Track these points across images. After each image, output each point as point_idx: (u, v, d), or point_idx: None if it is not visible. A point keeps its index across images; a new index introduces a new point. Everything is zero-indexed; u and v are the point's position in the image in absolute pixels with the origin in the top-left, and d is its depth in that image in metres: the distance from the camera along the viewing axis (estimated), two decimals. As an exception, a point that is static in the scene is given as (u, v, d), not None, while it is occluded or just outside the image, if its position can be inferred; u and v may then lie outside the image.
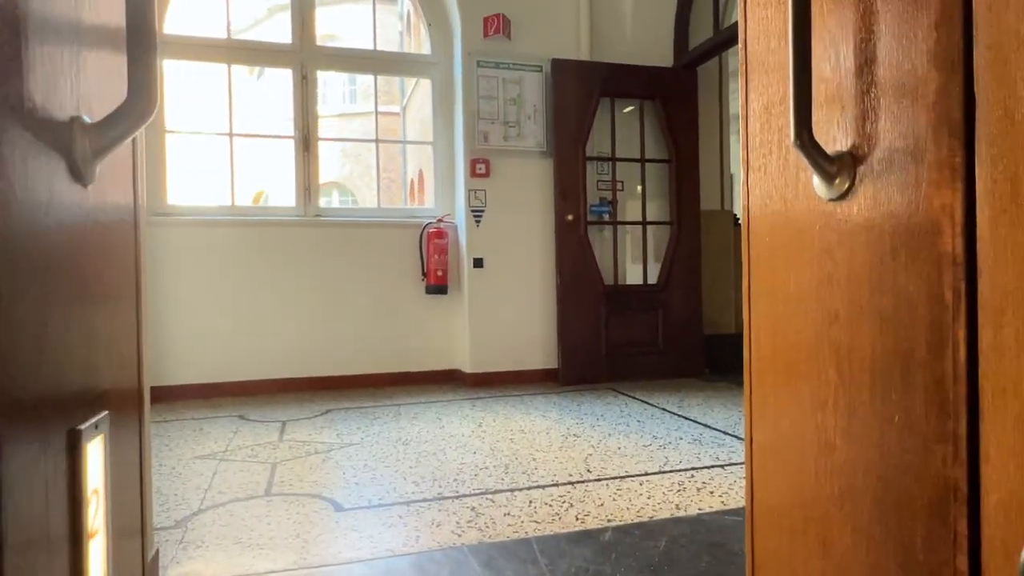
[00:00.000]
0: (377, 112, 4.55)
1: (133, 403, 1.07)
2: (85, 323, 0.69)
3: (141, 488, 1.08)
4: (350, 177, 16.31)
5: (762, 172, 1.00)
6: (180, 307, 3.85)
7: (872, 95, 0.79)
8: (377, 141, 4.58)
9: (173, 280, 3.83)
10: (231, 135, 4.09)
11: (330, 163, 15.59)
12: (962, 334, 0.68)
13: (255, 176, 15.79)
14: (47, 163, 0.60)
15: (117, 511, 0.83)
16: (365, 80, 16.50)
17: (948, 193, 0.68)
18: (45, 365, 0.60)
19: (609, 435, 2.88)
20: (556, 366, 4.25)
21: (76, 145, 0.64)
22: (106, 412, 0.76)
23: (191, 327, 3.87)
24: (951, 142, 0.67)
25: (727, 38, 4.08)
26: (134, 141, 1.13)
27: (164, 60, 3.90)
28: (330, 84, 16.68)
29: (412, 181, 14.48)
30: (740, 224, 4.40)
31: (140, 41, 0.68)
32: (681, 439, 2.81)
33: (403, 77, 4.72)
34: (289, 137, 4.13)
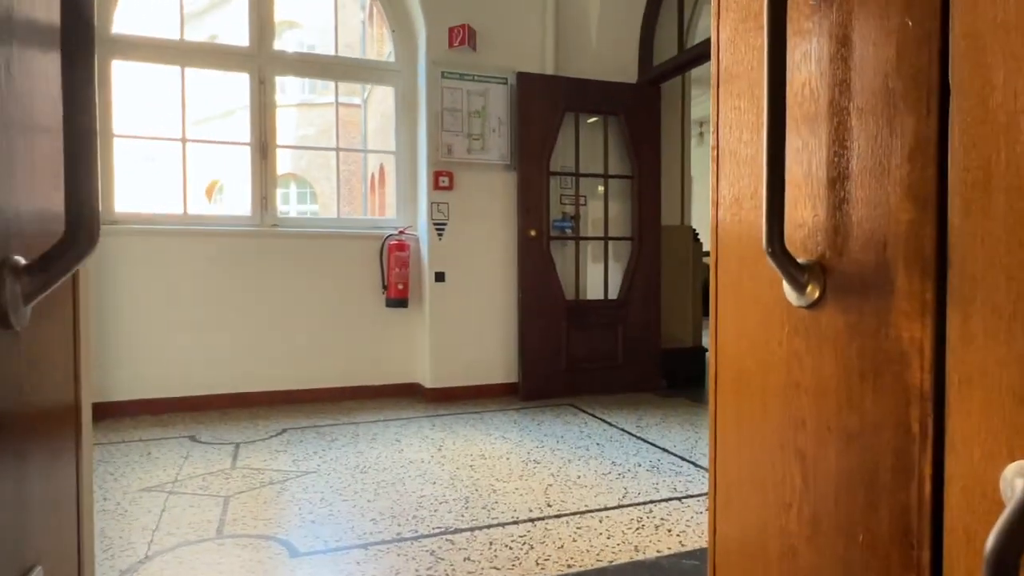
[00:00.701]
0: (338, 115, 4.44)
1: (69, 428, 1.01)
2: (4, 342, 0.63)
3: (79, 531, 1.02)
4: (308, 169, 15.94)
5: (731, 261, 1.00)
6: (128, 319, 3.70)
7: (844, 210, 0.79)
8: (338, 149, 4.48)
9: (121, 291, 3.68)
10: (183, 140, 3.94)
11: (287, 154, 15.21)
12: (928, 470, 0.68)
13: (209, 167, 15.31)
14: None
15: (53, 554, 0.78)
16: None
17: (918, 327, 0.69)
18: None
19: (569, 461, 2.89)
20: (516, 380, 4.25)
21: (6, 292, 0.59)
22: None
23: (140, 340, 3.73)
24: (923, 279, 0.67)
25: (692, 58, 4.12)
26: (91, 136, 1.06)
27: (113, 61, 3.72)
28: (289, 85, 16.29)
29: (373, 175, 14.26)
30: (699, 240, 4.42)
31: (80, 162, 0.63)
32: (639, 465, 2.84)
33: (364, 84, 4.60)
34: (245, 144, 4.00)
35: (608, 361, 4.36)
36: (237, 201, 15.45)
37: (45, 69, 0.72)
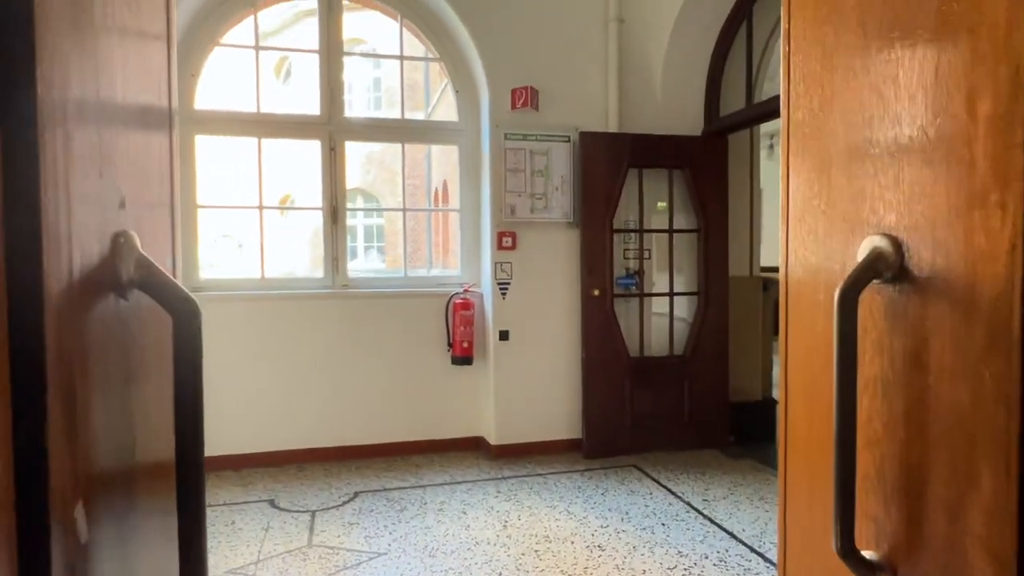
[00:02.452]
0: (404, 176, 4.55)
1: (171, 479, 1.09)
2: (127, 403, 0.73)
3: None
4: (374, 183, 16.36)
5: (802, 315, 0.98)
6: (209, 380, 3.92)
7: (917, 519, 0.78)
8: (404, 210, 4.60)
9: (205, 353, 3.89)
10: (260, 208, 4.14)
11: (354, 168, 15.66)
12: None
13: (282, 178, 15.91)
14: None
15: None
16: (390, 87, 16.50)
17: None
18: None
19: (634, 548, 2.89)
20: (580, 436, 4.26)
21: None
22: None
23: (223, 399, 3.95)
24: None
25: (760, 114, 4.01)
26: (172, 206, 1.16)
27: (195, 136, 3.95)
28: (355, 90, 16.72)
29: (436, 191, 14.51)
30: (768, 289, 4.30)
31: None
32: (706, 557, 2.80)
33: (429, 144, 4.70)
34: (317, 208, 4.16)
35: (673, 418, 4.31)
36: (306, 215, 15.96)
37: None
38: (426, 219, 14.68)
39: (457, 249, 4.40)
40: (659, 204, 4.37)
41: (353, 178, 16.88)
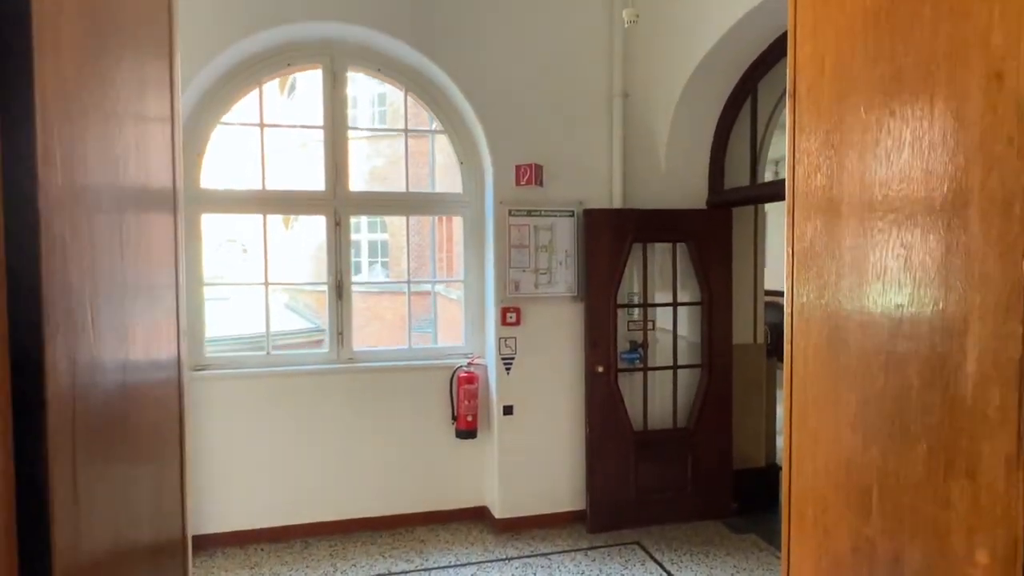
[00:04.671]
0: (409, 252, 4.54)
1: (178, 557, 1.09)
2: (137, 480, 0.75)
3: None
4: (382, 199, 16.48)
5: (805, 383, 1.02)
6: (214, 456, 3.95)
7: None
8: (409, 281, 4.61)
9: (209, 429, 3.93)
10: (266, 284, 4.16)
11: (358, 182, 15.68)
12: None
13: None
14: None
15: None
16: (394, 101, 16.47)
17: None
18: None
19: (637, 657, 2.91)
20: (584, 507, 4.28)
21: None
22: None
23: (228, 475, 3.97)
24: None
25: (765, 194, 4.01)
26: (177, 287, 1.18)
27: (201, 215, 3.96)
28: (360, 104, 16.72)
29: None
30: (772, 355, 4.34)
31: None
32: (709, 669, 2.82)
33: (433, 216, 4.71)
34: (323, 284, 4.18)
35: (677, 490, 4.32)
36: (310, 230, 15.97)
37: None
38: (430, 235, 14.65)
39: (461, 267, 4.40)
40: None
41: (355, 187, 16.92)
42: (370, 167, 16.68)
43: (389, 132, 16.52)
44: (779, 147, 4.48)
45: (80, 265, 0.61)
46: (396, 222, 16.77)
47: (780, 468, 4.63)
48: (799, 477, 1.10)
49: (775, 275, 5.06)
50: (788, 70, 1.05)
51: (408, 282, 4.60)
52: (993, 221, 0.71)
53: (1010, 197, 0.69)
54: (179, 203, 1.25)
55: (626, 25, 3.61)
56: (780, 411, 4.80)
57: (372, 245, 17.55)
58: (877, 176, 0.89)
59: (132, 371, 0.81)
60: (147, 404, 0.94)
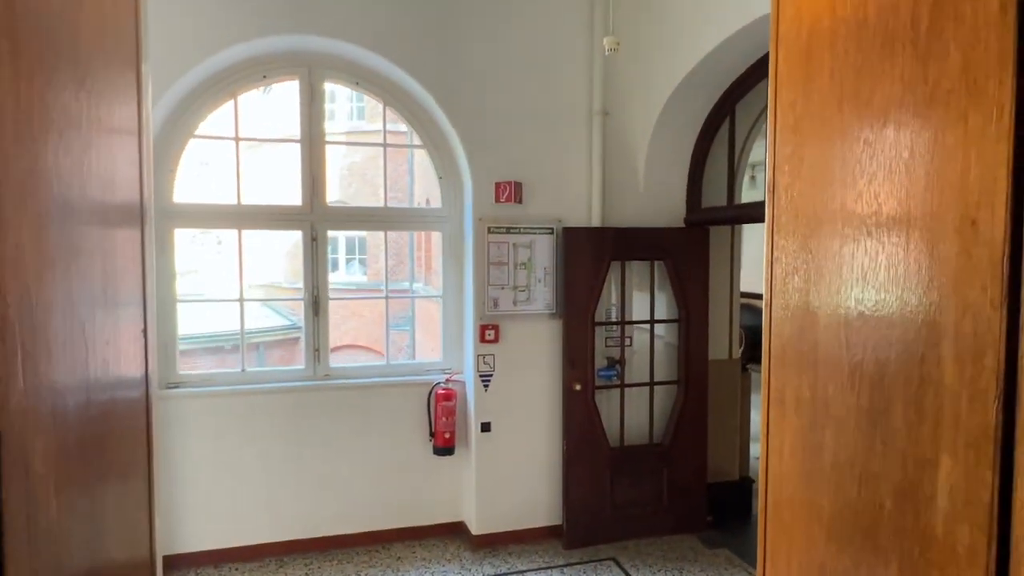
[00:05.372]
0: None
1: None
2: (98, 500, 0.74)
3: None
4: (356, 196, 16.23)
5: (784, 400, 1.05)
6: (190, 474, 3.90)
7: None
8: (387, 297, 4.58)
9: (183, 448, 3.87)
10: (241, 300, 4.10)
11: (334, 180, 15.51)
12: None
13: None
14: None
15: None
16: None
17: None
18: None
19: None
20: (560, 522, 4.30)
21: None
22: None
23: (202, 493, 3.92)
24: None
25: (742, 215, 4.05)
26: (145, 303, 1.15)
27: (174, 230, 3.89)
28: (338, 98, 16.50)
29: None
30: (748, 370, 4.44)
31: None
32: None
33: (412, 231, 4.68)
34: (299, 299, 4.13)
35: (653, 504, 4.37)
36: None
37: None
38: (409, 236, 14.55)
39: (440, 344, 4.40)
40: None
41: (333, 191, 16.71)
42: (348, 163, 16.54)
43: (368, 132, 16.33)
44: (757, 152, 4.54)
45: (25, 282, 0.58)
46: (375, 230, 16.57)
47: (754, 481, 4.71)
48: (775, 491, 1.12)
49: (750, 278, 5.18)
50: (767, 170, 1.05)
51: (386, 297, 4.56)
52: (966, 363, 0.72)
53: (983, 346, 0.70)
54: (147, 217, 1.21)
55: (607, 53, 3.61)
56: (755, 416, 4.89)
57: (350, 242, 17.39)
58: (853, 292, 0.90)
59: (95, 391, 0.78)
60: (112, 425, 0.92)
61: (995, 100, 0.67)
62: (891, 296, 0.81)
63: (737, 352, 4.79)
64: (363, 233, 17.16)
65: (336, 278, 15.84)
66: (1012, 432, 0.67)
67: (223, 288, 11.46)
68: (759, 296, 1.17)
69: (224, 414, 3.95)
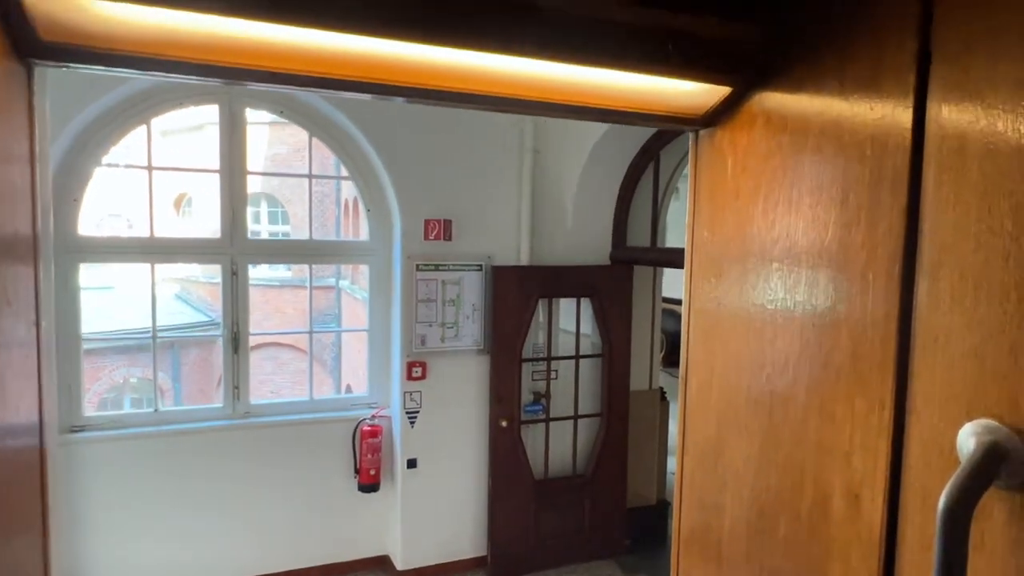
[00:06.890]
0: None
1: None
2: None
3: None
4: (280, 188, 15.64)
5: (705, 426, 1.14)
6: (100, 524, 3.71)
7: None
8: (311, 326, 4.48)
9: (89, 496, 3.67)
10: (154, 337, 3.91)
11: (258, 169, 14.85)
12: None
13: (176, 179, 14.89)
14: None
15: None
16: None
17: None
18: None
19: None
20: (485, 552, 4.38)
21: None
22: None
23: (114, 540, 3.74)
24: None
25: (664, 259, 4.20)
26: (39, 344, 1.09)
27: (79, 264, 3.65)
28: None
29: (346, 201, 14.07)
30: (666, 399, 4.63)
31: None
32: None
33: (339, 264, 4.58)
34: (217, 335, 3.98)
35: (575, 533, 4.51)
36: (205, 218, 15.05)
37: None
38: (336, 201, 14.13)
39: (365, 373, 4.34)
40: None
41: (255, 182, 16.02)
42: (272, 153, 15.87)
43: (297, 176, 15.63)
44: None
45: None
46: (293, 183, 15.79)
47: (669, 503, 4.94)
48: (688, 515, 1.21)
49: (672, 283, 5.38)
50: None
51: (310, 332, 4.46)
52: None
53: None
54: (40, 251, 1.15)
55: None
56: (672, 428, 5.11)
57: (272, 215, 16.58)
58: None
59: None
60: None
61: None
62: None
63: (657, 383, 4.98)
64: (284, 215, 16.50)
65: (257, 273, 15.28)
66: None
67: (134, 283, 10.87)
68: (679, 302, 1.28)
69: (136, 457, 3.77)
